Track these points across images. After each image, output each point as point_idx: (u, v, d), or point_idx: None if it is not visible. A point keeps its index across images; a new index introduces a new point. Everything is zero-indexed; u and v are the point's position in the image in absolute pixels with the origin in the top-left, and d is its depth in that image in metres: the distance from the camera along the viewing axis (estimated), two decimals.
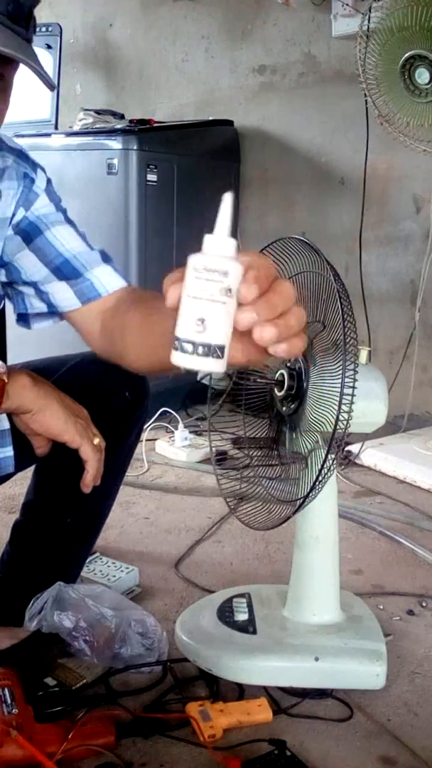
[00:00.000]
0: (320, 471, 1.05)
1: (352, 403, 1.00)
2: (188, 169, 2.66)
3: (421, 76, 1.89)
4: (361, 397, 1.02)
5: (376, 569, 1.62)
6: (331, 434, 1.02)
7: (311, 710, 1.14)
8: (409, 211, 2.62)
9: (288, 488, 1.14)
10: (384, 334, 2.69)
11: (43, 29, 2.97)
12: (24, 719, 0.99)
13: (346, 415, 1.00)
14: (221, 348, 0.57)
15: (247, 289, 0.56)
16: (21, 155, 1.12)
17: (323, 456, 1.05)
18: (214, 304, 0.56)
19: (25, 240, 1.11)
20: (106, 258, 1.13)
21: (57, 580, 1.25)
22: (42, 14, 3.12)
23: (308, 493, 1.06)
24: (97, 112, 2.89)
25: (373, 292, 2.66)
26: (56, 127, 2.99)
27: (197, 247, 0.57)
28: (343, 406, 1.00)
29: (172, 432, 2.40)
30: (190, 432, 2.40)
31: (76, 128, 2.83)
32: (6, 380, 1.02)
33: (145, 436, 2.26)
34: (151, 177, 2.52)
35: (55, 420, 1.05)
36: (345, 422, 1.01)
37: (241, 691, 1.16)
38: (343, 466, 2.20)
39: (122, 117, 2.91)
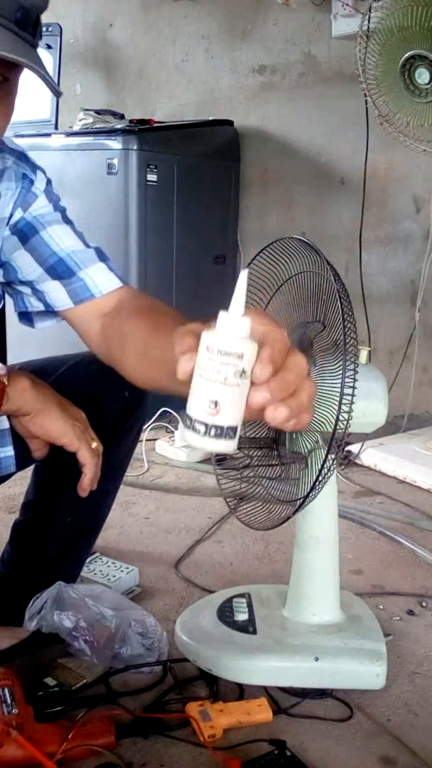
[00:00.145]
0: (320, 471, 1.05)
1: (352, 403, 1.00)
2: (188, 169, 2.66)
3: (421, 76, 1.89)
4: (361, 397, 1.02)
5: (376, 569, 1.62)
6: (331, 434, 1.02)
7: (311, 710, 1.14)
8: (409, 211, 2.62)
9: (288, 488, 1.13)
10: (384, 334, 2.69)
11: (43, 29, 2.95)
12: (24, 719, 0.99)
13: (346, 415, 1.00)
14: (234, 429, 0.57)
15: (261, 370, 0.56)
16: (21, 157, 1.12)
17: (323, 456, 1.05)
18: (228, 388, 0.55)
19: (21, 240, 1.11)
20: (101, 256, 1.12)
21: (57, 580, 1.25)
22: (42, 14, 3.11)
23: (308, 493, 1.06)
24: (97, 112, 2.89)
25: (373, 292, 2.66)
26: (56, 127, 2.98)
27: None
28: (343, 406, 1.00)
29: (172, 432, 2.40)
30: None
31: (76, 128, 2.82)
32: (6, 382, 1.02)
33: (145, 436, 2.26)
34: (151, 177, 2.52)
35: (54, 423, 1.05)
36: (345, 422, 1.00)
37: (241, 691, 1.16)
38: (343, 466, 2.20)
39: (122, 117, 2.91)
